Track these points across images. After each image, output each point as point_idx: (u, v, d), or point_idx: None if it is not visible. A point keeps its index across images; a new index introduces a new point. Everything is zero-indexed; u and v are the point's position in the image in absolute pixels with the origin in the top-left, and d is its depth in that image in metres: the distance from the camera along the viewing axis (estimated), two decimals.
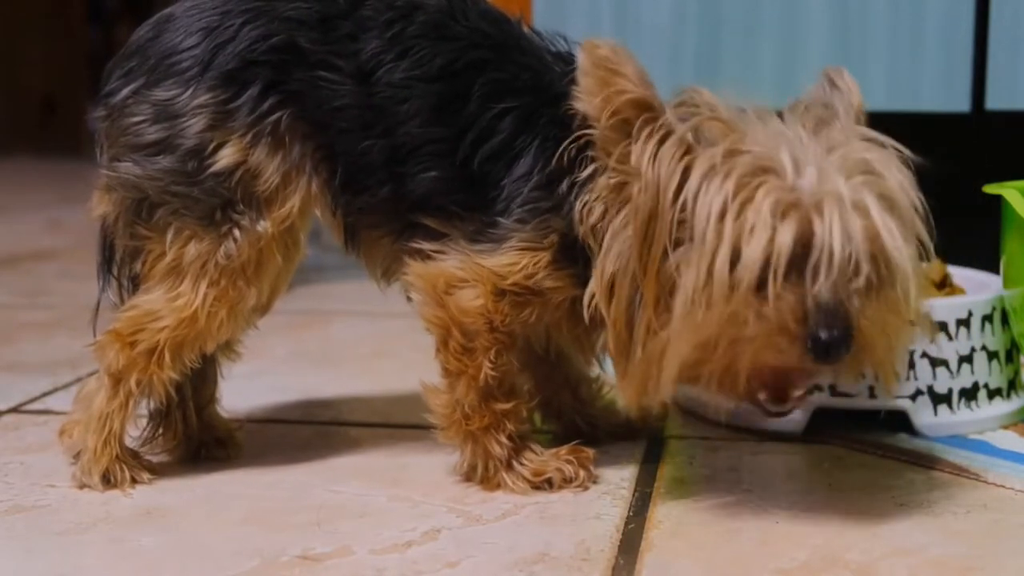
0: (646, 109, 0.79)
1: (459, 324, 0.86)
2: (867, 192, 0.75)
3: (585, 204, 0.83)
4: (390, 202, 0.88)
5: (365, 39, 0.87)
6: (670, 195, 0.77)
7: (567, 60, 0.88)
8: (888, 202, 0.76)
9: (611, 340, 0.82)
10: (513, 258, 0.85)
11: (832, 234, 0.73)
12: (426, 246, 0.87)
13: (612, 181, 0.81)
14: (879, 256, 0.75)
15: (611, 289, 0.81)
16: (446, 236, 0.87)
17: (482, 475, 0.89)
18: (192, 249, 0.87)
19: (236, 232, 0.87)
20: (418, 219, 0.87)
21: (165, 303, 0.88)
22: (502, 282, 0.85)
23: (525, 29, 0.90)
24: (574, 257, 0.85)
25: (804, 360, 0.74)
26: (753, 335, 0.74)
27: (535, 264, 0.85)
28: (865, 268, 0.74)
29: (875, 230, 0.75)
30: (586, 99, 0.80)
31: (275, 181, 0.87)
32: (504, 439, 0.88)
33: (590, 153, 0.82)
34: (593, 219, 0.82)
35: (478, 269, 0.85)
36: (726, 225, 0.74)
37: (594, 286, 0.82)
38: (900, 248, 0.75)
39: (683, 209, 0.77)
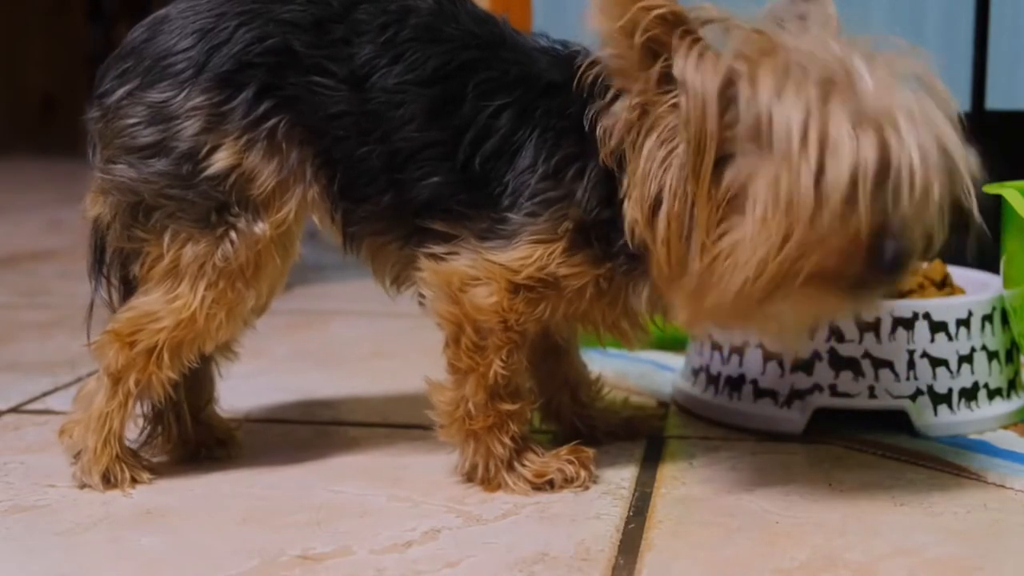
0: (680, 23, 0.78)
1: (473, 321, 0.86)
2: (928, 102, 0.77)
3: (606, 129, 0.82)
4: (393, 209, 0.88)
5: (359, 44, 0.87)
6: (717, 107, 0.76)
7: (551, 52, 0.88)
8: (945, 108, 0.78)
9: (659, 263, 0.81)
10: (526, 251, 0.85)
11: (912, 152, 0.75)
12: (438, 249, 0.87)
13: (637, 101, 0.80)
14: (947, 169, 0.77)
15: (653, 212, 0.80)
16: (456, 237, 0.87)
17: (483, 475, 0.89)
18: (189, 251, 0.87)
19: (232, 234, 0.87)
20: (426, 224, 0.87)
21: (164, 304, 0.88)
22: (515, 277, 0.85)
23: (509, 28, 0.90)
24: (588, 240, 0.85)
25: (866, 268, 0.77)
26: (826, 241, 0.75)
27: (549, 255, 0.85)
28: (938, 187, 0.76)
29: (944, 142, 0.77)
30: (602, 18, 0.78)
31: (270, 185, 0.86)
32: (507, 440, 0.88)
33: (606, 80, 0.81)
34: (614, 143, 0.82)
35: (490, 267, 0.85)
36: (810, 139, 0.74)
37: (633, 212, 0.81)
38: (965, 158, 0.78)
39: (732, 122, 0.77)
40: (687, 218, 0.79)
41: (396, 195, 0.87)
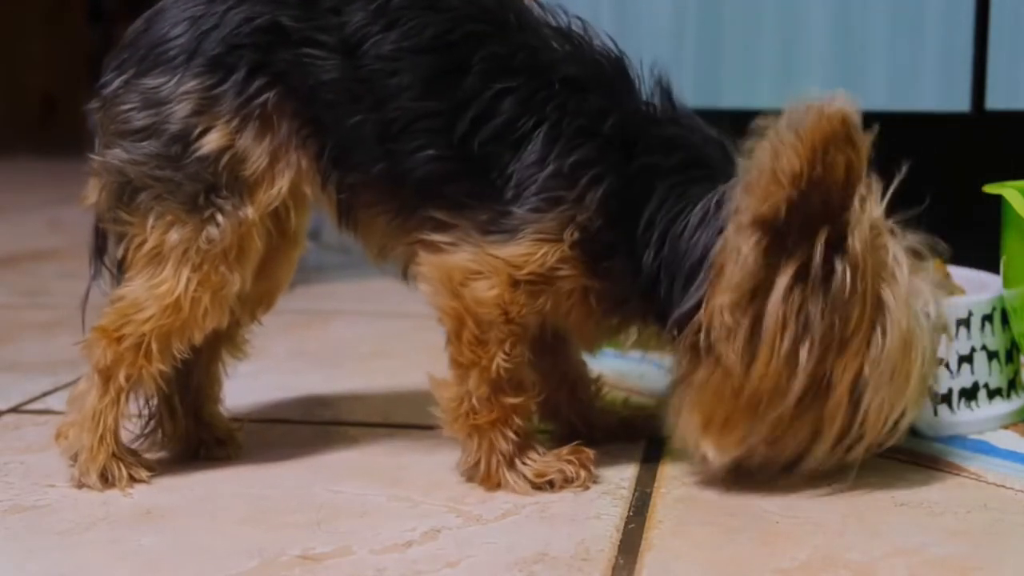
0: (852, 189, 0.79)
1: (474, 315, 0.86)
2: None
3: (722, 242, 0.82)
4: (385, 180, 0.88)
5: (349, 12, 0.86)
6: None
7: (567, 36, 0.88)
8: None
9: (732, 370, 0.81)
10: (529, 248, 0.85)
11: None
12: (436, 238, 0.87)
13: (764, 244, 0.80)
14: None
15: (752, 328, 0.80)
16: (456, 227, 0.86)
17: (484, 472, 0.88)
18: (174, 234, 0.87)
19: (219, 217, 0.87)
20: (426, 212, 0.87)
21: (148, 291, 0.88)
22: (517, 272, 0.85)
23: (524, 6, 0.89)
24: (587, 252, 0.85)
25: None
26: None
27: (553, 254, 0.85)
28: None
29: None
30: (789, 159, 0.77)
31: (262, 164, 0.87)
32: (511, 434, 0.88)
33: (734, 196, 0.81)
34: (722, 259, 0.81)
35: (492, 261, 0.85)
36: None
37: (722, 314, 0.81)
38: None
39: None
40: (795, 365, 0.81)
41: (389, 166, 0.87)
